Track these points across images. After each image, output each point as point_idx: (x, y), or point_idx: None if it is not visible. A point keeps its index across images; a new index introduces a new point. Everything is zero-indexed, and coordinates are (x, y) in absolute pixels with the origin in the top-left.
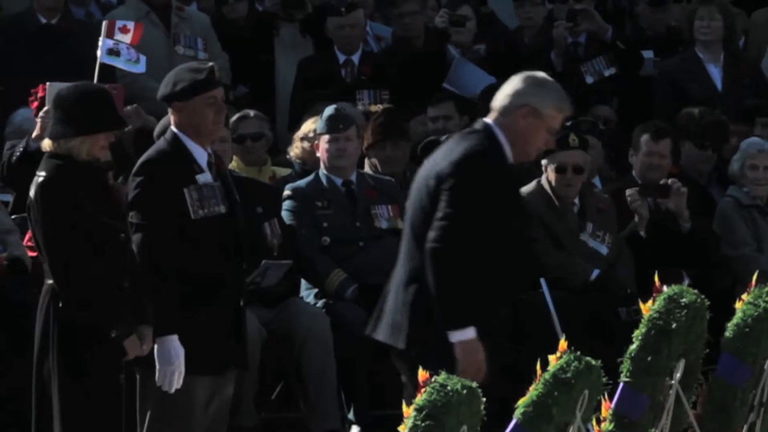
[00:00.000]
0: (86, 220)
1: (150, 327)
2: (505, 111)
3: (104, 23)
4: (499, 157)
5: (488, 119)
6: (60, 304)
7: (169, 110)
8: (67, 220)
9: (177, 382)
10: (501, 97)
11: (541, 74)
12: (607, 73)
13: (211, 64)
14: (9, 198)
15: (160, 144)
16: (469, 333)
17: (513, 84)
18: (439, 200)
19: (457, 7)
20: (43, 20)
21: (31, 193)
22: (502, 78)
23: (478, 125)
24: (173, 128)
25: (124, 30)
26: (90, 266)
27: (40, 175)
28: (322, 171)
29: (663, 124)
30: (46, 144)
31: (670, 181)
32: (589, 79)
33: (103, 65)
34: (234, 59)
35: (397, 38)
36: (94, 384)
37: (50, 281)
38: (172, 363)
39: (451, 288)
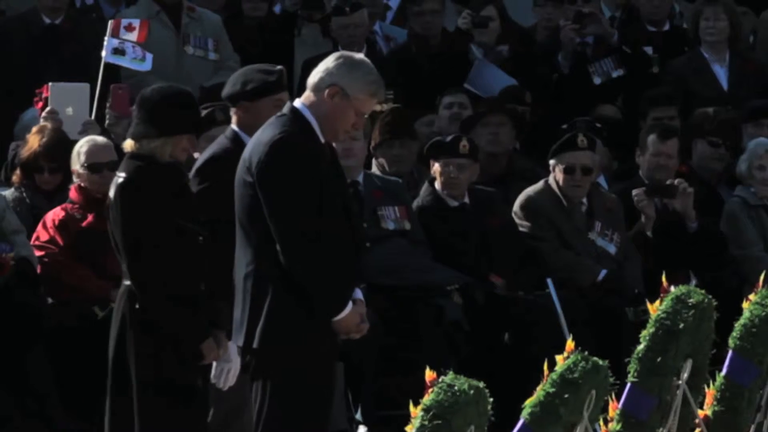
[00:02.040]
0: (166, 222)
1: (223, 330)
2: (316, 89)
3: (110, 22)
4: (307, 138)
5: (297, 101)
6: (137, 306)
7: (232, 109)
8: (146, 222)
9: (231, 380)
10: (313, 74)
11: (358, 56)
12: (614, 75)
13: (280, 67)
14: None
15: (222, 141)
16: (346, 311)
17: (326, 62)
18: (262, 199)
19: (481, 8)
20: (48, 20)
21: (111, 193)
22: (518, 78)
23: (285, 109)
24: (234, 126)
25: (129, 28)
26: (168, 268)
27: (120, 176)
28: None
29: (670, 124)
30: (128, 144)
31: (676, 181)
32: (597, 80)
33: (107, 64)
34: (249, 59)
35: (414, 37)
36: (171, 386)
37: (127, 282)
38: (230, 360)
39: (324, 284)
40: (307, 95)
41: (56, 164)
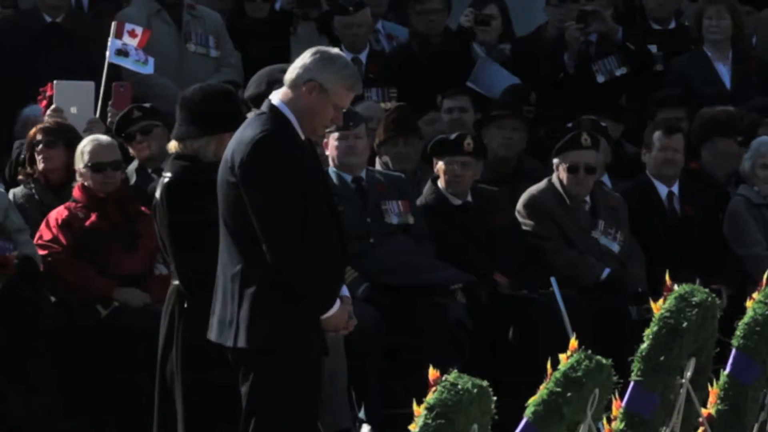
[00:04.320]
0: (212, 221)
1: None
2: (293, 85)
3: (113, 24)
4: (287, 135)
5: (275, 98)
6: (185, 305)
7: (252, 111)
8: (192, 221)
9: None
10: (290, 71)
11: (334, 50)
12: (618, 73)
13: None
14: None
15: None
16: (334, 308)
17: (302, 58)
18: (246, 199)
19: (483, 6)
20: (48, 18)
21: (157, 193)
22: (522, 77)
23: (264, 107)
24: None
25: (132, 34)
26: (216, 268)
27: (166, 176)
28: (332, 168)
29: (674, 121)
30: (172, 146)
31: None
32: (600, 78)
33: (110, 64)
34: (252, 59)
35: (417, 35)
36: (216, 387)
37: (176, 282)
38: None
39: (312, 282)
40: (285, 92)
41: (53, 138)
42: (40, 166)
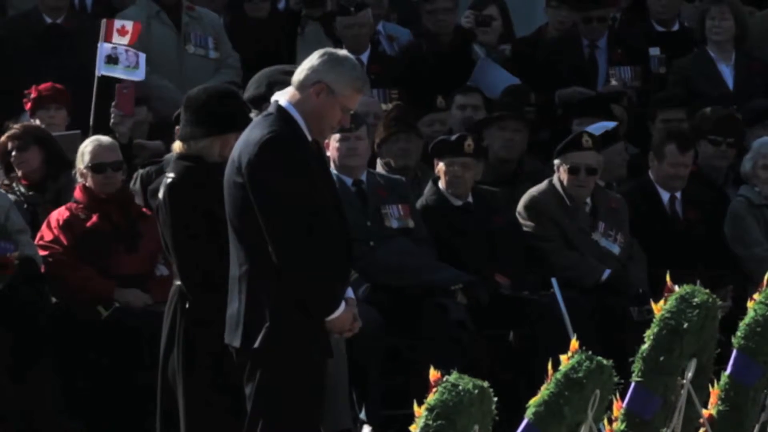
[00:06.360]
0: (215, 222)
1: None
2: (301, 86)
3: (103, 23)
4: (295, 137)
5: (282, 100)
6: (187, 305)
7: (254, 111)
8: (195, 222)
9: None
10: (298, 72)
11: (342, 52)
12: (632, 84)
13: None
14: None
15: None
16: (340, 310)
17: (311, 60)
18: (253, 199)
19: (483, 7)
20: (49, 20)
21: (160, 194)
22: (524, 78)
23: (271, 107)
24: None
25: (122, 32)
26: (218, 268)
27: (169, 177)
28: (333, 170)
29: (685, 132)
30: (177, 146)
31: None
32: (614, 83)
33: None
34: (253, 59)
35: (426, 34)
36: (220, 386)
37: (178, 282)
38: None
39: (317, 283)
40: (293, 93)
41: (23, 142)
42: (19, 172)
